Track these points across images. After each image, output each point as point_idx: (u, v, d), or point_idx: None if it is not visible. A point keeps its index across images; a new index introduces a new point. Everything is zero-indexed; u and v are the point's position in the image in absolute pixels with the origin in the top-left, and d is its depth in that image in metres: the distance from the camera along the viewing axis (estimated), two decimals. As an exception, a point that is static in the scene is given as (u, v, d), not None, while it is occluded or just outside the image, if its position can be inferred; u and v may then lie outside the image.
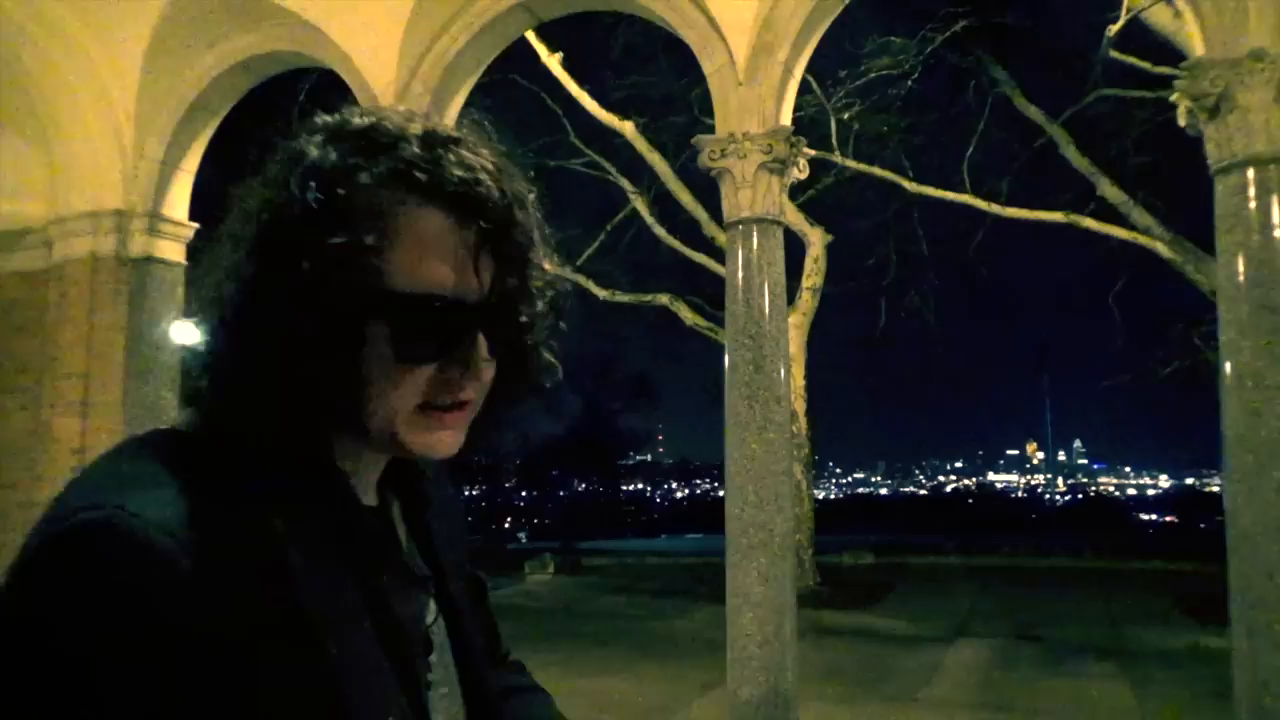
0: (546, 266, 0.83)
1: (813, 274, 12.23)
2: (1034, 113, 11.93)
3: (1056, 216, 11.06)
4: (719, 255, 13.33)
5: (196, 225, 7.91)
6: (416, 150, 0.74)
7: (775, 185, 5.62)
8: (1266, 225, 4.47)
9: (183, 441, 0.74)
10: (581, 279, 13.64)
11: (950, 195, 11.38)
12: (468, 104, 7.12)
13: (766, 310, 5.53)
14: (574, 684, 7.02)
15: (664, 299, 13.17)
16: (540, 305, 0.81)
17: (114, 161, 7.47)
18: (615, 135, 11.82)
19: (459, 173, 0.74)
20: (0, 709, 0.61)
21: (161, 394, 7.55)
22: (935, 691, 7.09)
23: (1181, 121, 4.89)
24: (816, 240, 12.14)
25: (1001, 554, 17.77)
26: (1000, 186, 11.67)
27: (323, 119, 0.78)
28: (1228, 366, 4.53)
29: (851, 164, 11.73)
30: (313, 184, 0.72)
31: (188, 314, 7.91)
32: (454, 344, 0.75)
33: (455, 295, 0.74)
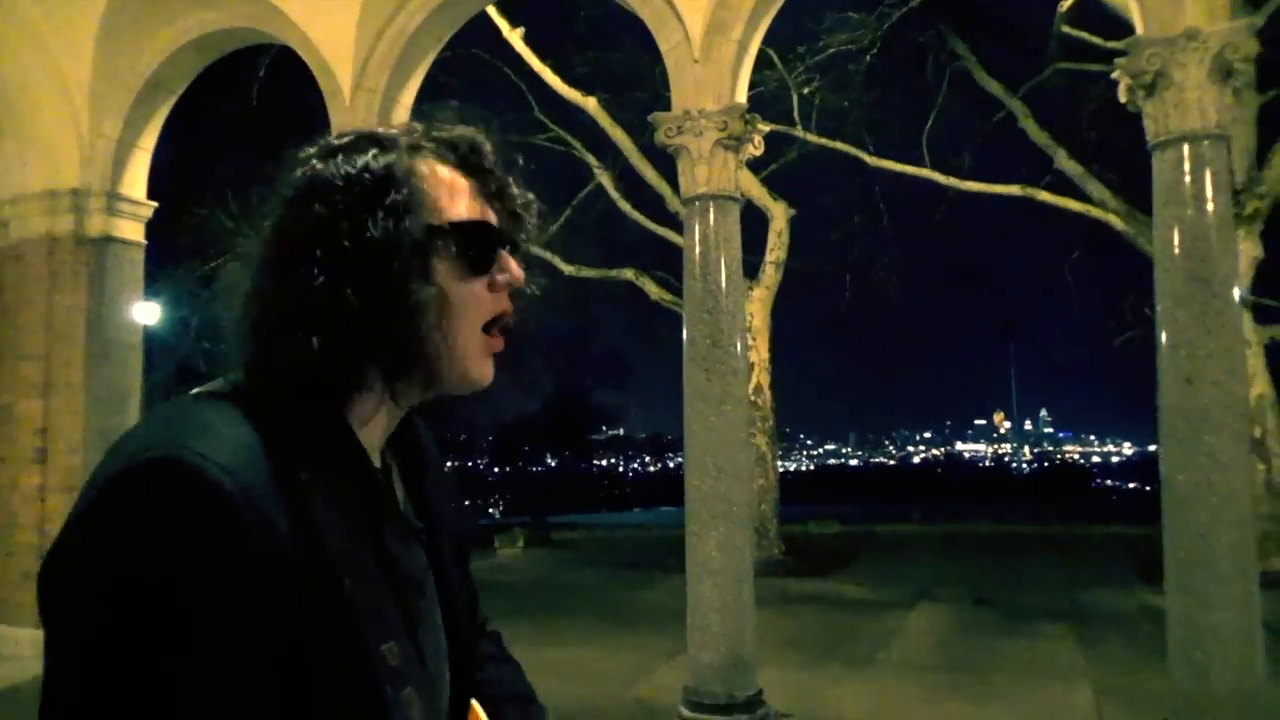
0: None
1: (776, 248, 12.34)
2: (995, 87, 12.09)
3: (1013, 190, 11.25)
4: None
5: (155, 204, 7.86)
6: (421, 132, 0.95)
7: (731, 162, 5.70)
8: (1200, 199, 4.62)
9: (230, 399, 0.85)
10: (547, 254, 13.66)
11: (910, 169, 11.52)
12: (428, 79, 7.11)
13: (724, 285, 5.63)
14: (542, 654, 7.13)
15: (629, 274, 13.24)
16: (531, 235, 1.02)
17: (70, 140, 7.40)
18: (580, 111, 11.82)
19: (461, 138, 0.95)
20: (84, 623, 0.71)
21: (124, 374, 7.54)
22: (894, 654, 7.31)
23: (1123, 98, 5.02)
24: (780, 214, 12.24)
25: (964, 522, 18.14)
26: (960, 161, 11.84)
27: (330, 142, 0.95)
28: (1163, 336, 4.70)
29: (813, 138, 11.83)
30: (361, 166, 0.89)
31: (145, 294, 7.86)
32: (494, 256, 0.94)
33: (486, 222, 0.94)
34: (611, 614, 8.31)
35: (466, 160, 0.95)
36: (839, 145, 11.96)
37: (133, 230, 7.71)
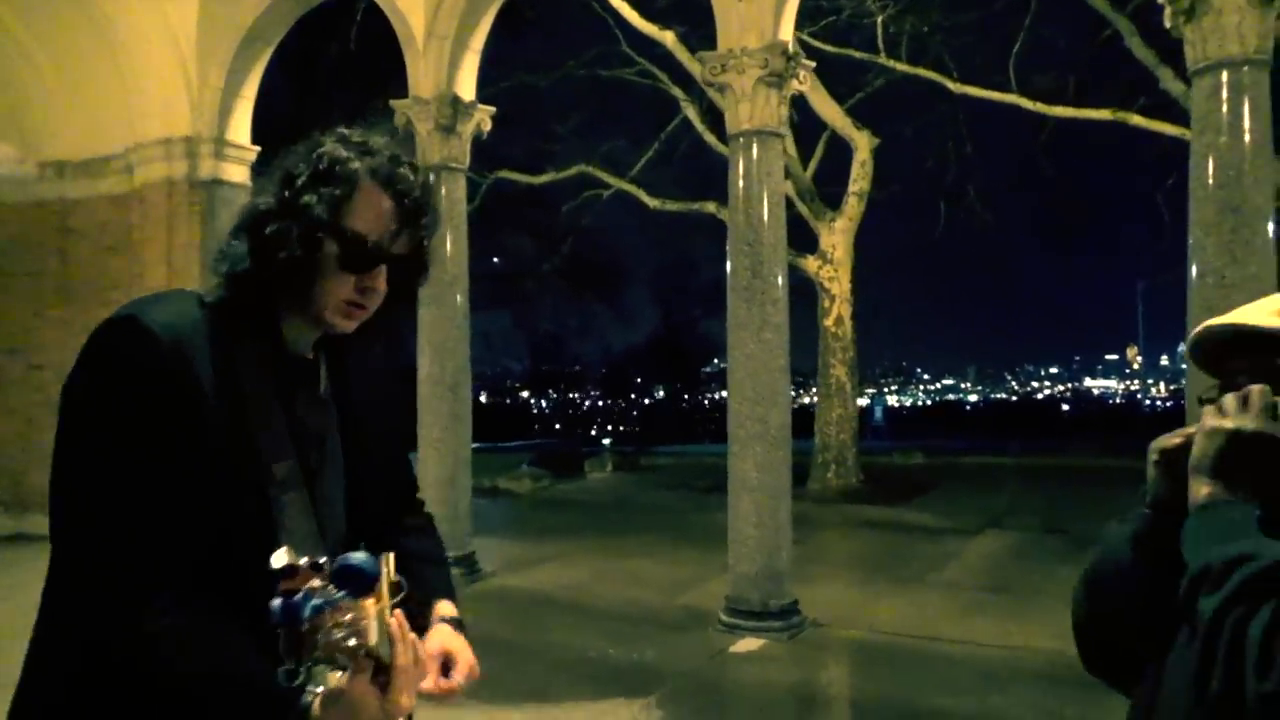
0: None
1: (859, 178, 12.28)
2: (1100, 2, 11.52)
3: (1104, 114, 10.81)
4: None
5: (258, 148, 8.55)
6: (386, 158, 1.29)
7: (774, 98, 5.87)
8: (1236, 127, 4.58)
9: (202, 296, 1.29)
10: (632, 188, 13.95)
11: (995, 95, 11.21)
12: (513, 14, 7.43)
13: (765, 218, 5.86)
14: (608, 564, 7.73)
15: (711, 207, 13.40)
16: (422, 263, 1.37)
17: (181, 91, 8.12)
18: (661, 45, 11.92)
19: (406, 178, 1.29)
20: (68, 415, 1.18)
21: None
22: (945, 575, 7.54)
23: (1167, 23, 4.96)
24: (863, 144, 12.14)
25: (1064, 456, 17.69)
26: (1051, 83, 11.40)
27: (342, 132, 1.33)
28: (1193, 267, 4.71)
29: (896, 66, 11.62)
30: (323, 160, 1.26)
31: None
32: (371, 268, 1.27)
33: (377, 243, 1.27)
34: (678, 531, 8.79)
35: (402, 197, 1.28)
36: (922, 72, 11.71)
37: (238, 173, 8.43)
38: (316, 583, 0.94)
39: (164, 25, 7.96)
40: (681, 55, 11.30)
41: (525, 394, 74.52)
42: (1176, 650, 1.07)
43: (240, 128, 8.42)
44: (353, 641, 0.97)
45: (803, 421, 14.33)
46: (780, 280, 5.90)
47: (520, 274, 23.62)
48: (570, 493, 12.41)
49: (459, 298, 7.18)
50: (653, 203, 13.82)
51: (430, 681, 1.39)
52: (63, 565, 1.18)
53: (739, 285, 5.88)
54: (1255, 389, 1.09)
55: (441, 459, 7.04)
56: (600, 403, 73.28)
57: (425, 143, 7.14)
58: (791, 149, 13.27)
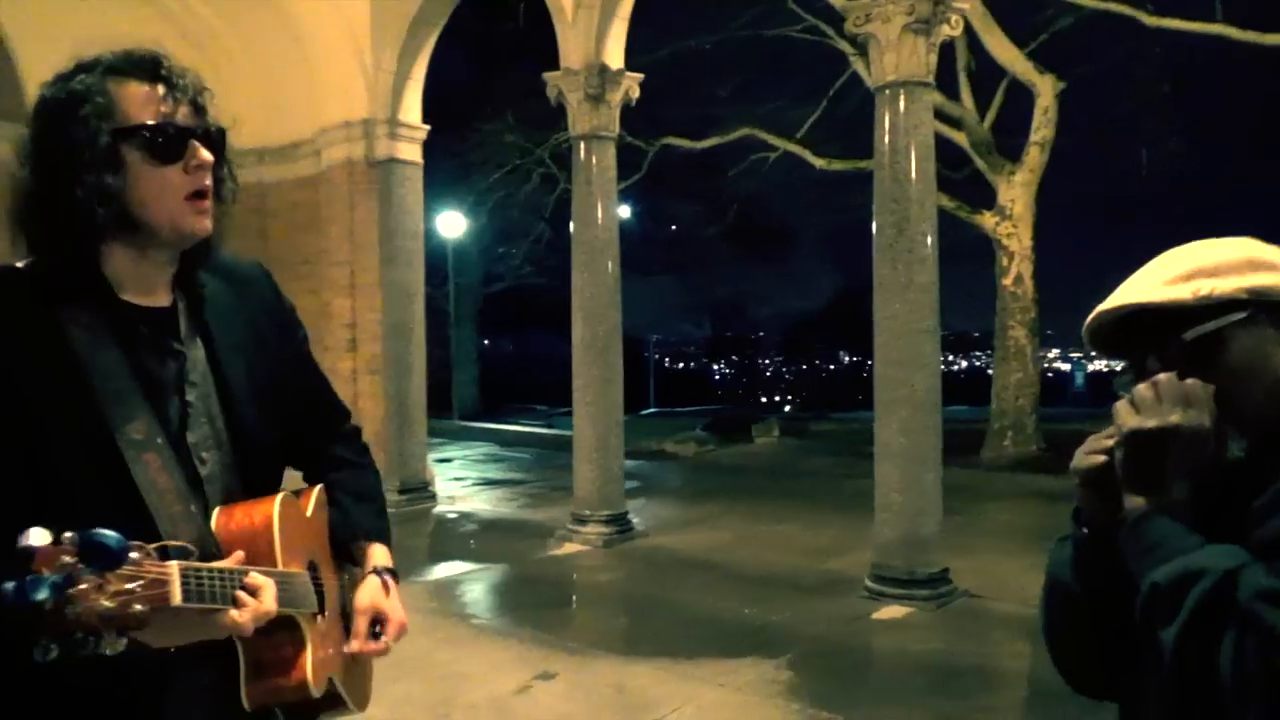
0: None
1: (1042, 126, 11.43)
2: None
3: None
4: (943, 118, 12.77)
5: (428, 127, 9.03)
6: (120, 55, 1.24)
7: (921, 46, 5.59)
8: None
9: (17, 268, 1.23)
10: (798, 148, 13.65)
11: (1198, 26, 10.08)
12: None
13: (912, 174, 5.62)
14: (758, 528, 7.74)
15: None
16: (215, 125, 1.30)
17: (357, 76, 8.68)
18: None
19: (146, 56, 1.24)
20: None
21: (409, 275, 8.89)
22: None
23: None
24: (1046, 89, 11.28)
25: None
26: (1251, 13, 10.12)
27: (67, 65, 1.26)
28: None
29: (1084, 1, 10.68)
30: (61, 89, 1.21)
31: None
32: (183, 146, 1.22)
33: (167, 120, 1.21)
34: (831, 497, 8.66)
35: (155, 73, 1.22)
36: (1113, 6, 10.71)
37: (411, 151, 8.94)
38: (66, 560, 0.90)
39: (340, 15, 8.52)
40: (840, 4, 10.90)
41: (705, 360, 74.95)
42: (1149, 672, 1.01)
43: (411, 108, 8.91)
44: (140, 607, 0.93)
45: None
46: (929, 239, 5.65)
47: (693, 240, 23.74)
48: (732, 457, 12.46)
49: (610, 264, 7.34)
50: (819, 162, 13.49)
51: (358, 643, 1.38)
52: None
53: (883, 244, 5.68)
54: (1161, 379, 1.00)
55: (594, 421, 7.26)
56: (784, 368, 72.66)
57: (575, 113, 7.31)
58: (968, 101, 12.57)
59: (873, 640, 5.01)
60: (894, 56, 5.62)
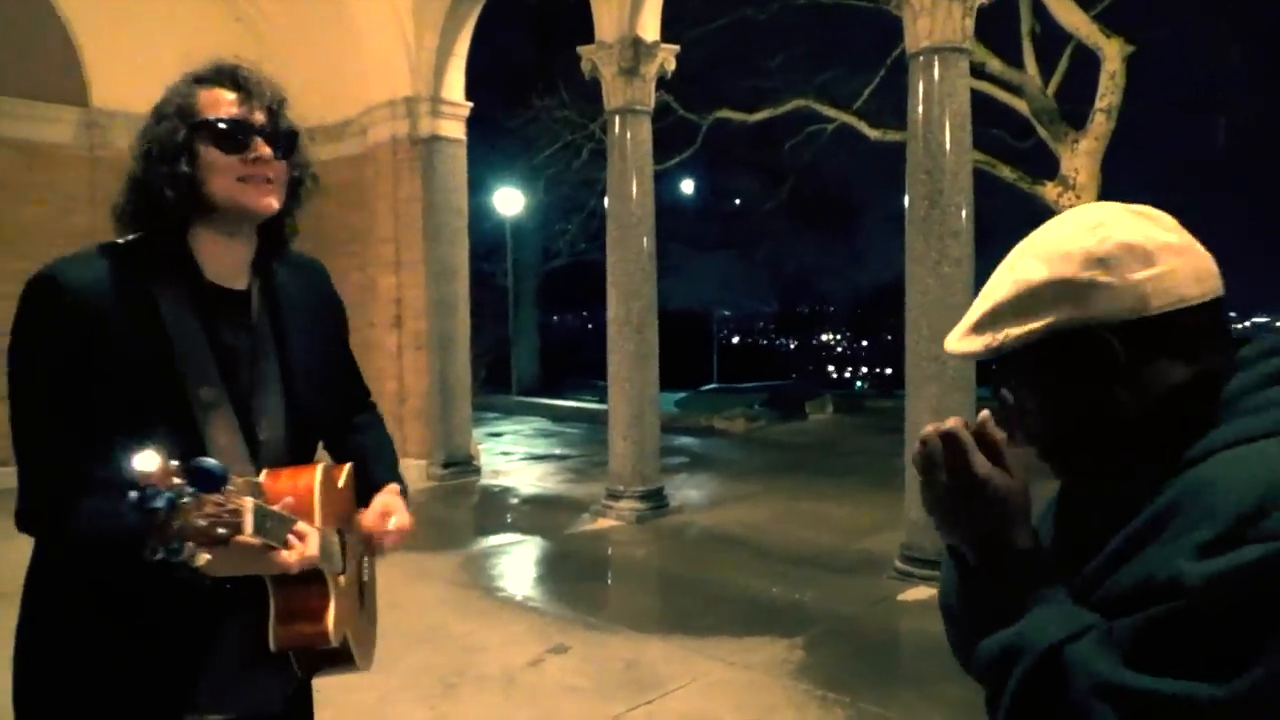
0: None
1: (1108, 93, 10.94)
2: None
3: None
4: (1004, 85, 12.33)
5: (471, 104, 9.07)
6: (203, 68, 1.48)
7: (956, 11, 5.39)
8: None
9: (111, 245, 1.44)
10: (853, 119, 13.34)
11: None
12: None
13: (946, 144, 5.44)
14: (798, 506, 7.66)
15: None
16: (288, 127, 1.48)
17: (400, 55, 8.75)
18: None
19: (226, 66, 1.47)
20: (14, 346, 1.35)
21: (453, 251, 8.98)
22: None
23: None
24: (1113, 53, 10.78)
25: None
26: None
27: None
28: None
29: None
30: (166, 95, 1.46)
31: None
32: (245, 139, 1.42)
33: (237, 119, 1.42)
34: (875, 475, 8.49)
35: (234, 80, 1.46)
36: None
37: (454, 129, 9.00)
38: (176, 480, 1.06)
39: (383, -7, 8.58)
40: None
41: (773, 337, 74.16)
42: None
43: (454, 85, 8.95)
44: (222, 530, 1.10)
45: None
46: (963, 212, 5.47)
47: (752, 214, 23.46)
48: (782, 434, 12.34)
49: (645, 240, 7.29)
50: (873, 134, 13.17)
51: (369, 520, 1.59)
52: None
53: (916, 217, 5.52)
54: (953, 430, 0.93)
55: (628, 398, 7.25)
56: (854, 344, 71.56)
57: (610, 87, 7.25)
58: (1032, 67, 12.11)
59: (894, 622, 4.92)
60: (928, 21, 5.44)
